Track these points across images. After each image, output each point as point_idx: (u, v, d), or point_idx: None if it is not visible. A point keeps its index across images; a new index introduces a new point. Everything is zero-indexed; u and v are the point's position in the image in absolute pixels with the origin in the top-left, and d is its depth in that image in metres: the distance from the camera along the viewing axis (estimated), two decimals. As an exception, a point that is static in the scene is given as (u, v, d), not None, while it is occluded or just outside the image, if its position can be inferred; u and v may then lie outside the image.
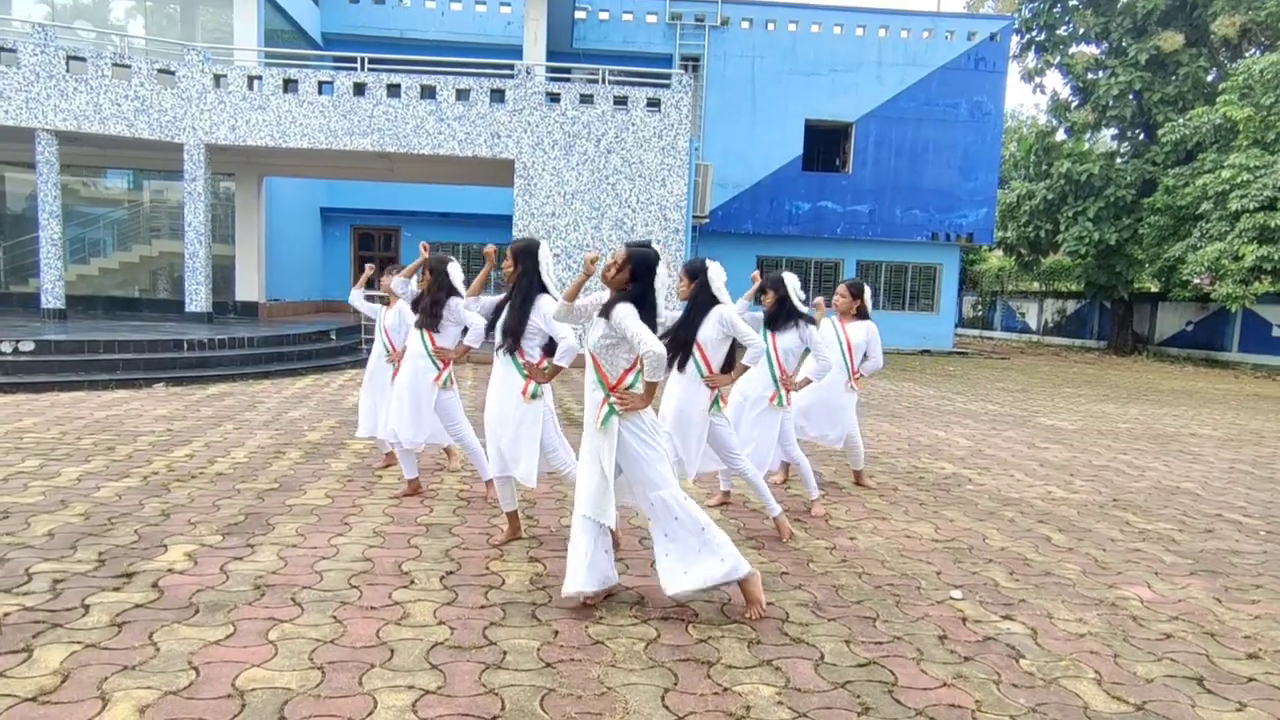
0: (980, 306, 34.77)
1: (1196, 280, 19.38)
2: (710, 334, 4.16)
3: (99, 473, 5.15)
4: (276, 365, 10.53)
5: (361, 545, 4.02)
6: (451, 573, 3.72)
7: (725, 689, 2.75)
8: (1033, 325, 30.79)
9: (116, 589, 3.30)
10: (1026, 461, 7.17)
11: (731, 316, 4.18)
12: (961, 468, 6.77)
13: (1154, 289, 24.01)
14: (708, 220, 18.81)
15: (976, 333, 33.79)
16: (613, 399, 3.29)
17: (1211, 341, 22.13)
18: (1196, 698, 2.86)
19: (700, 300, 4.19)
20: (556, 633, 3.13)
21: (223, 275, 15.77)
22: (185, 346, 9.51)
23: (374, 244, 21.81)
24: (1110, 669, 3.06)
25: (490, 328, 4.23)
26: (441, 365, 4.87)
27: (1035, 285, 30.74)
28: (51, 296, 12.68)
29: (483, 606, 3.35)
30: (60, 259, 12.80)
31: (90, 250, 16.54)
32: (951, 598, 3.74)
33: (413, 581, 3.58)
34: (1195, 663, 3.16)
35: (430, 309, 4.81)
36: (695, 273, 4.23)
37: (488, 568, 3.82)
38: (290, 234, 18.96)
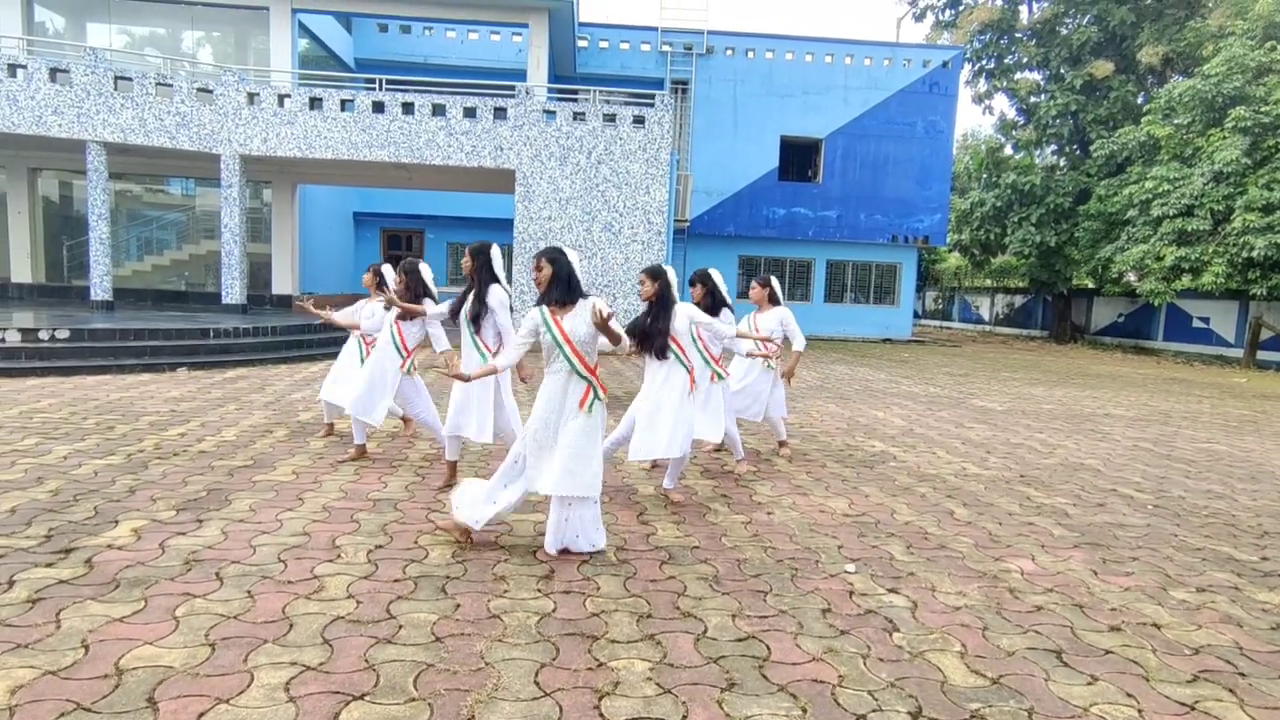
0: (941, 300, 34.39)
1: (1127, 277, 18.92)
2: (681, 327, 4.27)
3: (87, 450, 4.86)
4: (295, 352, 10.27)
5: (306, 520, 3.76)
6: (380, 546, 3.47)
7: (600, 664, 2.50)
8: (985, 317, 30.31)
9: (49, 565, 3.03)
10: (951, 440, 6.87)
11: (698, 314, 4.40)
12: (890, 445, 6.47)
13: (1090, 285, 23.52)
14: (688, 224, 18.49)
15: (937, 323, 33.38)
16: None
17: (1140, 331, 21.64)
18: (1052, 671, 2.60)
19: (667, 299, 4.19)
20: (458, 606, 2.88)
21: (262, 272, 15.55)
22: (210, 334, 9.23)
23: (401, 244, 21.59)
24: (976, 642, 2.80)
25: (455, 315, 4.44)
26: (405, 354, 4.96)
27: (987, 282, 30.24)
28: (99, 289, 12.48)
29: (397, 580, 3.10)
30: (108, 256, 12.58)
31: (146, 248, 16.33)
32: (846, 571, 3.47)
33: (339, 555, 3.32)
34: (1058, 635, 2.89)
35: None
36: (656, 275, 4.19)
37: (416, 542, 3.57)
38: (326, 234, 18.71)
